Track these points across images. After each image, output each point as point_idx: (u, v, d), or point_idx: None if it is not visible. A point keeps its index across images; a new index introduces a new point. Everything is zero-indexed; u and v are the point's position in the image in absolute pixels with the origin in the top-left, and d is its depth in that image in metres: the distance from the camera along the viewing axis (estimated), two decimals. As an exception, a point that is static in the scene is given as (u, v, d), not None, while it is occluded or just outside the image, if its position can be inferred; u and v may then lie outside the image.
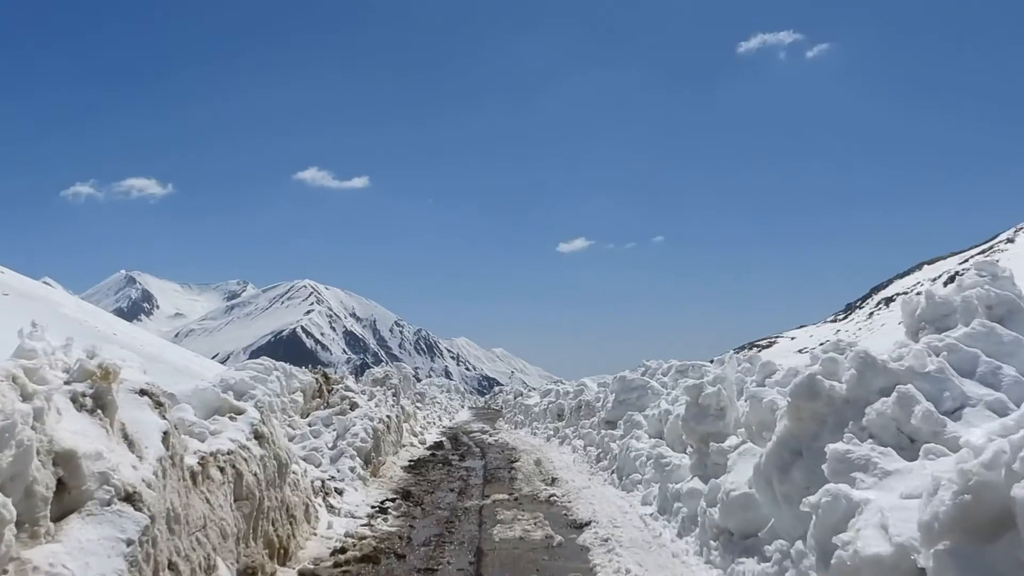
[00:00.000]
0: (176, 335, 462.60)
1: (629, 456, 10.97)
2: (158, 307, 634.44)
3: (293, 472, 8.69)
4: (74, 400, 4.35)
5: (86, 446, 4.01)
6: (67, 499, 3.87)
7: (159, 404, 5.21)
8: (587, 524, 8.90)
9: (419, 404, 33.70)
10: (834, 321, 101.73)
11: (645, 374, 15.16)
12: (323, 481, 10.88)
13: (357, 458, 13.49)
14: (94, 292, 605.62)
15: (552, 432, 22.35)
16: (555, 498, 11.16)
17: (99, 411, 4.41)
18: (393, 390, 21.57)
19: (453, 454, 19.65)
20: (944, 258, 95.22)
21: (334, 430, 14.56)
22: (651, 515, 8.86)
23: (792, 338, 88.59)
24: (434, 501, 11.77)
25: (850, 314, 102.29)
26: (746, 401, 7.12)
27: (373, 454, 14.58)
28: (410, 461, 17.78)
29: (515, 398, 38.60)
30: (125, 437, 4.65)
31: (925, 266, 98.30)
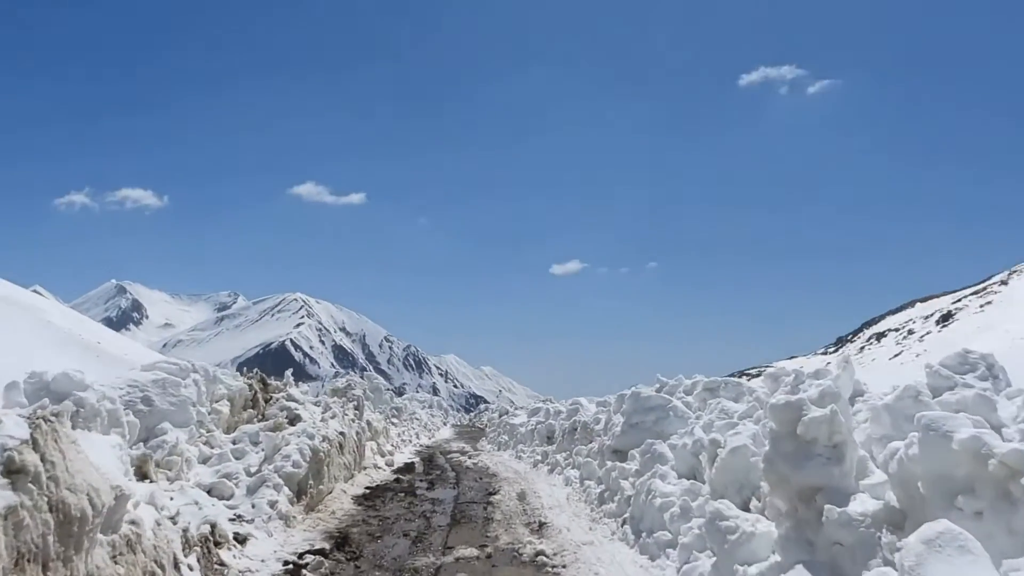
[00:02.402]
0: (164, 345, 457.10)
1: (651, 503, 7.72)
2: (147, 317, 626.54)
3: (131, 523, 5.47)
4: None
5: None
6: None
7: None
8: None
9: (394, 420, 30.45)
10: (824, 353, 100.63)
11: (661, 391, 11.95)
12: (213, 526, 7.63)
13: (284, 488, 10.26)
14: (84, 301, 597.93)
15: (540, 457, 19.10)
16: (544, 559, 7.91)
17: None
18: (355, 402, 18.29)
19: (422, 480, 16.41)
20: (937, 296, 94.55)
21: (262, 450, 11.35)
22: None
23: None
24: (376, 554, 8.54)
25: (840, 347, 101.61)
26: (908, 439, 3.96)
27: (311, 483, 11.34)
28: (367, 488, 14.53)
29: (500, 416, 35.31)
30: None
31: (918, 303, 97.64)
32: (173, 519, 6.70)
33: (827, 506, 4.39)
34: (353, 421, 17.32)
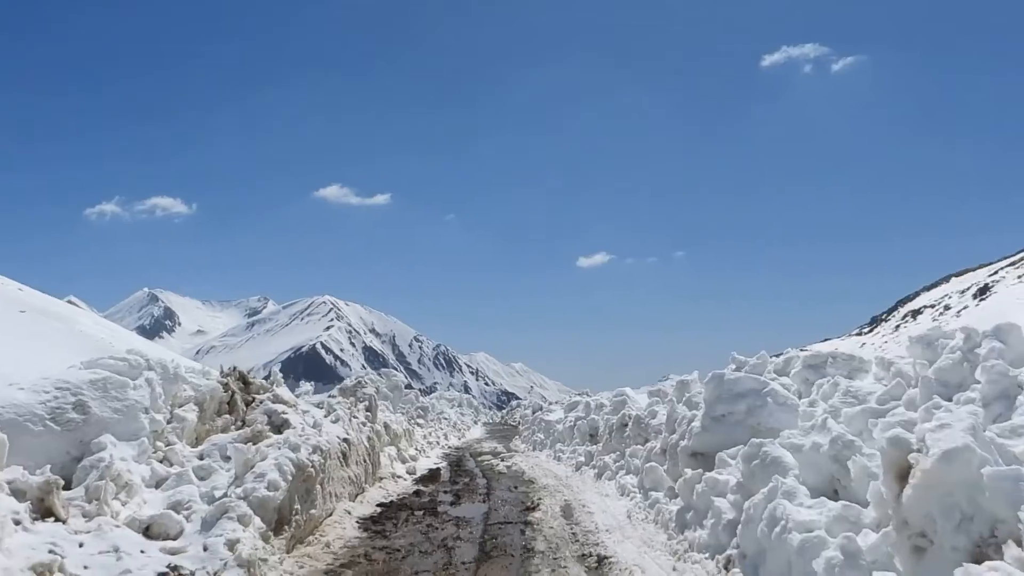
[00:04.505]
0: (197, 352, 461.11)
1: (783, 540, 4.94)
2: (180, 324, 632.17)
3: None
4: None
5: None
6: None
7: None
8: None
9: (420, 421, 28.03)
10: (859, 334, 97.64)
11: (742, 371, 9.21)
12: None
13: (255, 519, 7.71)
14: (117, 310, 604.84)
15: (583, 459, 16.48)
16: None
17: None
18: (367, 403, 15.76)
19: (447, 491, 13.85)
20: (972, 270, 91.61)
21: (232, 467, 8.83)
22: None
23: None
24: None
25: (876, 327, 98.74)
26: None
27: (297, 507, 8.78)
28: (380, 505, 12.00)
29: (533, 413, 32.75)
30: None
31: (953, 278, 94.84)
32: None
33: None
34: (363, 425, 14.82)
